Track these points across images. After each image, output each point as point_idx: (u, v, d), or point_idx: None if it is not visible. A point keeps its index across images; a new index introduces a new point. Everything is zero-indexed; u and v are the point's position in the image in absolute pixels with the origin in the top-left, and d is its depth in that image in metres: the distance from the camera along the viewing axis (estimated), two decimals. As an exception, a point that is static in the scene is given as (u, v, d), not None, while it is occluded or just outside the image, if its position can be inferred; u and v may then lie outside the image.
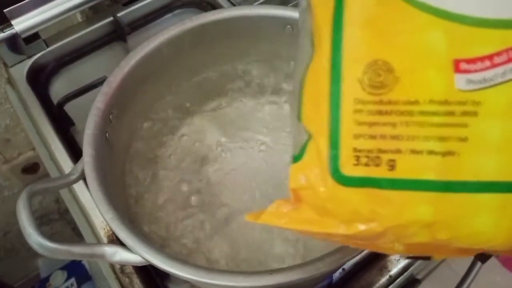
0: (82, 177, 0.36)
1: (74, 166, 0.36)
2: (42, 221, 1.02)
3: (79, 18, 0.73)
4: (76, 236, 1.13)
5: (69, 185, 0.36)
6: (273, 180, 0.45)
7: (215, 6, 0.67)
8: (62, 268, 1.04)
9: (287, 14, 0.44)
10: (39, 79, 0.61)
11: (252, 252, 0.41)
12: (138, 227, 0.40)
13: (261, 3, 0.64)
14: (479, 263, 0.61)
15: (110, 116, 0.39)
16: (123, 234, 0.32)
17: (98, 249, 0.32)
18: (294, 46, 0.46)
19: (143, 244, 0.32)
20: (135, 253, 0.32)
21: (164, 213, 0.43)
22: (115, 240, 0.46)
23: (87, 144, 0.36)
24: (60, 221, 1.06)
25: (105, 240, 0.46)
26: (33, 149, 0.87)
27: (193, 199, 0.44)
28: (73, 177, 0.36)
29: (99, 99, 0.38)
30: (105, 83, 0.39)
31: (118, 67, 0.40)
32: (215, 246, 0.41)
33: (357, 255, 0.32)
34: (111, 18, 0.64)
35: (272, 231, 0.41)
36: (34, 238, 0.30)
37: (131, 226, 0.34)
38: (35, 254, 1.08)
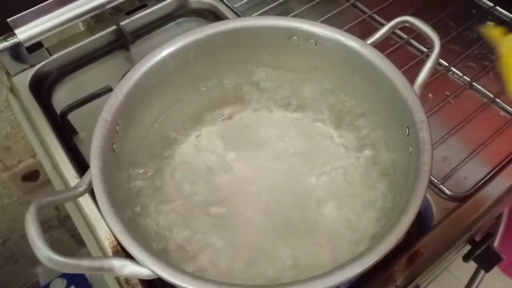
0: (89, 189, 0.36)
1: (81, 179, 0.36)
2: (42, 228, 1.01)
3: (81, 27, 0.73)
4: (76, 243, 1.12)
5: (76, 197, 0.36)
6: (285, 192, 0.45)
7: (217, 15, 0.68)
8: (62, 276, 1.03)
9: (292, 25, 0.44)
10: (42, 88, 0.61)
11: (261, 268, 0.40)
12: (145, 239, 0.40)
13: (263, 13, 0.65)
14: (482, 272, 0.61)
15: (117, 128, 0.39)
16: (132, 248, 0.32)
17: (107, 263, 0.32)
18: (300, 56, 0.47)
19: (152, 257, 0.31)
20: (144, 267, 0.31)
21: (171, 225, 0.43)
22: (120, 251, 0.46)
23: (94, 156, 0.36)
24: (60, 228, 1.05)
25: (109, 251, 0.46)
26: (33, 156, 0.87)
27: (201, 211, 0.44)
28: (80, 189, 0.36)
29: (106, 111, 0.38)
30: (111, 95, 0.39)
31: (124, 79, 0.40)
32: (224, 259, 0.41)
33: (364, 271, 0.31)
34: (114, 27, 0.64)
35: (277, 262, 0.41)
36: (43, 251, 0.30)
37: (139, 239, 0.34)
38: (34, 262, 1.08)
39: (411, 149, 0.37)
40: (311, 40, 0.44)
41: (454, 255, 0.55)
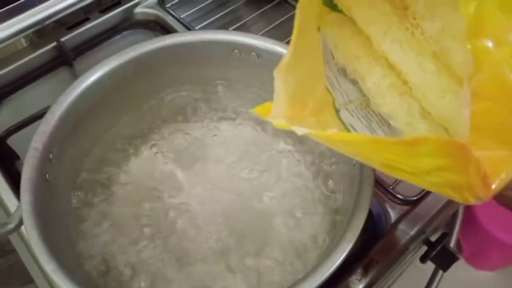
0: (21, 225, 0.34)
1: (11, 215, 0.34)
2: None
3: (24, 43, 0.70)
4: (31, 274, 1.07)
5: (5, 235, 0.34)
6: (237, 210, 0.44)
7: (164, 27, 0.66)
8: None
9: (233, 39, 0.43)
10: (-20, 111, 0.58)
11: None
12: (84, 270, 0.38)
13: (210, 23, 0.63)
14: (440, 272, 0.62)
15: (50, 156, 0.37)
16: (66, 286, 0.30)
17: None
18: (243, 69, 0.46)
19: (88, 295, 0.30)
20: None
21: (114, 252, 0.41)
22: None
23: (24, 190, 0.34)
24: (16, 252, 1.01)
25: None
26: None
27: (147, 235, 0.42)
28: (10, 226, 0.34)
29: (36, 139, 0.36)
30: (42, 121, 0.37)
31: (55, 103, 0.38)
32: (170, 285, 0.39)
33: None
34: (54, 43, 0.62)
35: (235, 276, 0.40)
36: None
37: (75, 273, 0.32)
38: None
39: (354, 161, 0.37)
40: (253, 53, 0.43)
41: (411, 257, 0.56)
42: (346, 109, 0.32)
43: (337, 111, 0.32)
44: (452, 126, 0.29)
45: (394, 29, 0.30)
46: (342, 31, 0.32)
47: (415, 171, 0.22)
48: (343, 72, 0.33)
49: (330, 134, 0.23)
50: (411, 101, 0.30)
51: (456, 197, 0.23)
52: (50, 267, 0.31)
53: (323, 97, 0.31)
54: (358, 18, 0.32)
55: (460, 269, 1.14)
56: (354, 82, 0.33)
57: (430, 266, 0.65)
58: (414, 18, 0.30)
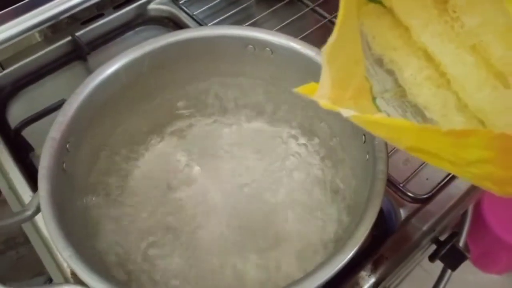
0: (38, 212, 0.34)
1: (29, 202, 0.35)
2: (7, 245, 0.98)
3: (38, 37, 0.71)
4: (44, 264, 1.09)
5: (23, 222, 0.34)
6: (248, 204, 0.44)
7: (177, 23, 0.67)
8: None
9: (247, 34, 0.43)
10: (-5, 103, 0.59)
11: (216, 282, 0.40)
12: (101, 261, 0.39)
13: (223, 20, 0.64)
14: (449, 270, 0.62)
15: (67, 145, 0.38)
16: (82, 272, 0.31)
17: (56, 290, 0.31)
18: (256, 65, 0.46)
19: (104, 282, 0.30)
20: (95, 292, 0.30)
21: (129, 244, 0.41)
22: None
23: (42, 178, 0.34)
24: (26, 244, 1.02)
25: (68, 272, 0.45)
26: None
27: (161, 228, 0.43)
28: (28, 213, 0.34)
29: (54, 129, 0.37)
30: (60, 112, 0.38)
31: (73, 94, 0.39)
32: (181, 279, 0.40)
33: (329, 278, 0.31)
34: (69, 38, 0.62)
35: (243, 277, 0.40)
36: (-15, 283, 0.29)
37: (92, 262, 0.32)
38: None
39: (367, 156, 0.37)
40: (267, 48, 0.44)
41: (420, 255, 0.56)
42: (382, 97, 0.32)
43: (373, 98, 0.32)
44: (489, 118, 0.29)
45: (434, 21, 0.31)
46: (380, 22, 0.33)
47: (458, 161, 0.22)
48: (379, 62, 0.33)
49: (377, 118, 0.23)
50: (447, 94, 0.31)
51: (495, 190, 0.23)
52: (67, 253, 0.31)
53: (361, 83, 0.31)
54: (399, 10, 0.32)
55: (468, 272, 1.14)
56: (390, 73, 0.33)
57: (437, 268, 0.65)
58: (454, 12, 0.31)
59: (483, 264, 1.12)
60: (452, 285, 0.65)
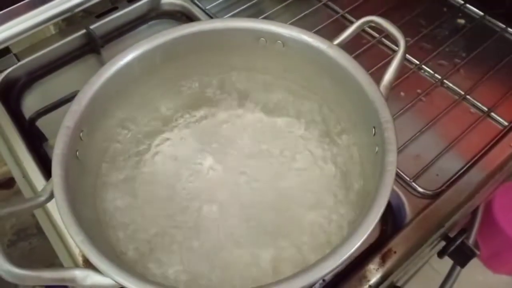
0: (52, 198, 0.35)
1: (43, 188, 0.35)
2: (19, 237, 0.99)
3: (52, 30, 0.72)
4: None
5: (37, 207, 0.35)
6: (261, 195, 0.44)
7: (189, 17, 0.67)
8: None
9: (259, 27, 0.43)
10: (11, 94, 0.60)
11: (229, 275, 0.40)
12: (112, 247, 0.39)
13: (235, 14, 0.64)
14: (458, 267, 0.62)
15: (81, 134, 0.39)
16: (94, 257, 0.31)
17: (68, 274, 0.31)
18: (268, 57, 0.46)
19: (115, 266, 0.31)
20: (107, 276, 0.31)
21: (139, 234, 0.42)
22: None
23: (56, 164, 0.35)
24: (39, 235, 1.03)
25: (80, 259, 0.45)
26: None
27: (172, 217, 0.43)
28: (42, 198, 0.35)
29: (68, 118, 0.37)
30: (74, 101, 0.39)
31: (87, 84, 0.40)
32: (193, 266, 0.40)
33: (335, 269, 0.31)
34: (84, 31, 0.63)
35: (258, 263, 0.41)
36: (0, 265, 0.29)
37: (104, 248, 0.33)
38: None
39: (377, 148, 0.37)
40: (279, 41, 0.44)
41: (429, 251, 0.56)
42: None
43: None
44: None
45: None
46: None
47: None
48: None
49: None
50: None
51: None
52: (79, 238, 0.32)
53: None
54: None
55: (478, 272, 1.13)
56: None
57: (446, 267, 0.64)
58: None
59: (493, 264, 1.11)
60: (461, 285, 0.65)
